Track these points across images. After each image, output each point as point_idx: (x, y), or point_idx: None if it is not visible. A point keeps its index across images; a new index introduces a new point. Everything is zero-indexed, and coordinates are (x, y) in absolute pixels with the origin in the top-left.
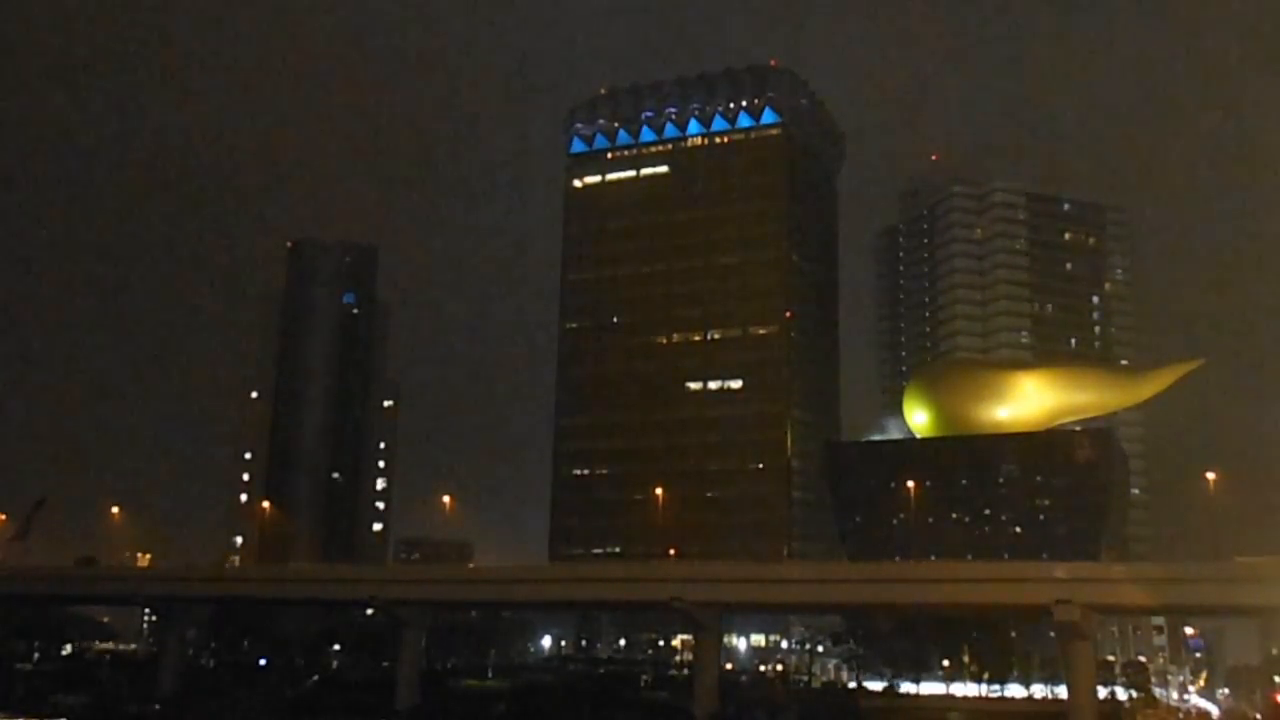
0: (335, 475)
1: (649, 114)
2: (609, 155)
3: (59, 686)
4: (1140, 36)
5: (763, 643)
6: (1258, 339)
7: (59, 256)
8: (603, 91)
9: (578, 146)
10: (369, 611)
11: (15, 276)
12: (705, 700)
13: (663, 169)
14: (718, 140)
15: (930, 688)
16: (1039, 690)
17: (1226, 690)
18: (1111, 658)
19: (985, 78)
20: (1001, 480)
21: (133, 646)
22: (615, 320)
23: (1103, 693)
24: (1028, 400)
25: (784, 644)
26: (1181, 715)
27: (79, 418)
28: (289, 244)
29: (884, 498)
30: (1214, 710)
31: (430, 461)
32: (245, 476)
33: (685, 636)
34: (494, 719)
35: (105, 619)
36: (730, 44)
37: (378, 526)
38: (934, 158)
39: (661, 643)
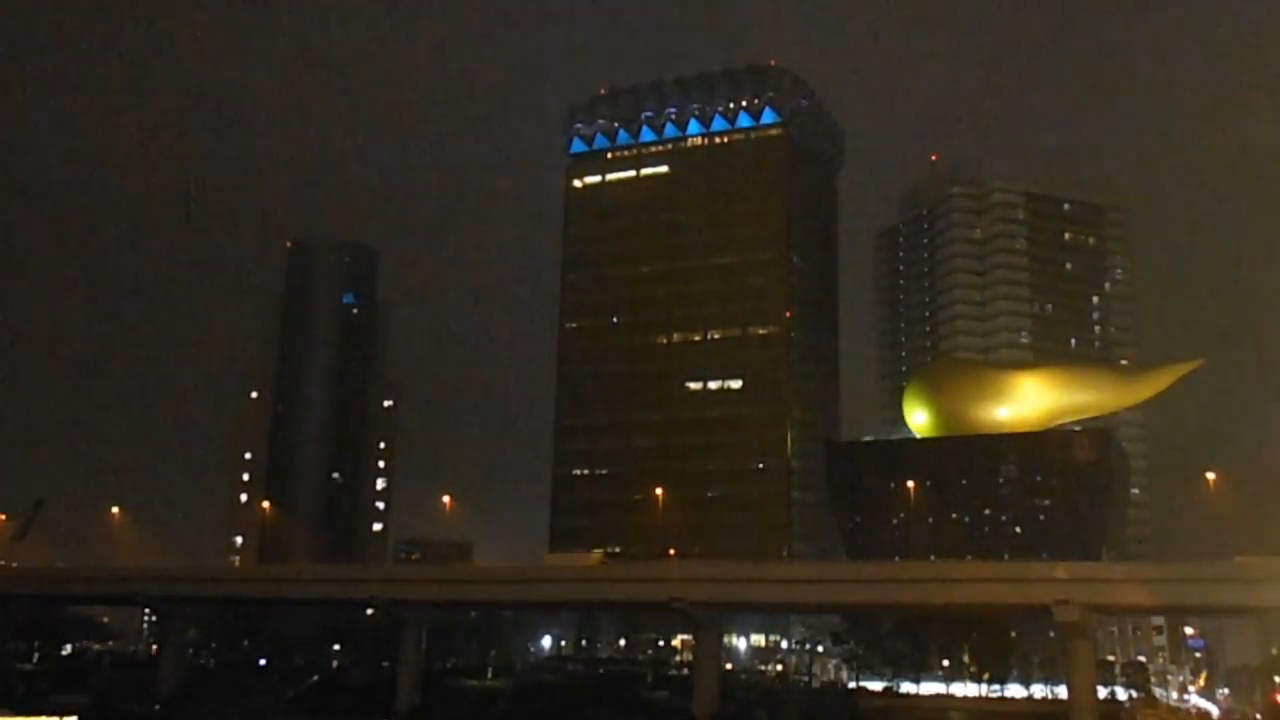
0: (335, 475)
1: (649, 114)
2: (609, 155)
3: (59, 686)
4: (1140, 37)
5: (763, 643)
6: (1258, 339)
7: (58, 256)
8: (603, 91)
9: (578, 146)
10: (369, 611)
11: (15, 277)
12: (705, 700)
13: (663, 169)
14: (718, 140)
15: (930, 688)
16: (1039, 690)
17: (1226, 690)
18: (1111, 658)
19: (986, 78)
20: (1001, 480)
21: (132, 648)
22: (615, 320)
23: (1103, 693)
24: (1028, 400)
25: (784, 644)
26: (1181, 715)
27: (79, 418)
28: (289, 244)
29: (884, 498)
30: (1214, 710)
31: (430, 461)
32: (245, 476)
33: (685, 636)
34: (494, 719)
35: (105, 619)
36: (730, 44)
37: (378, 526)
38: (934, 158)
39: (661, 643)
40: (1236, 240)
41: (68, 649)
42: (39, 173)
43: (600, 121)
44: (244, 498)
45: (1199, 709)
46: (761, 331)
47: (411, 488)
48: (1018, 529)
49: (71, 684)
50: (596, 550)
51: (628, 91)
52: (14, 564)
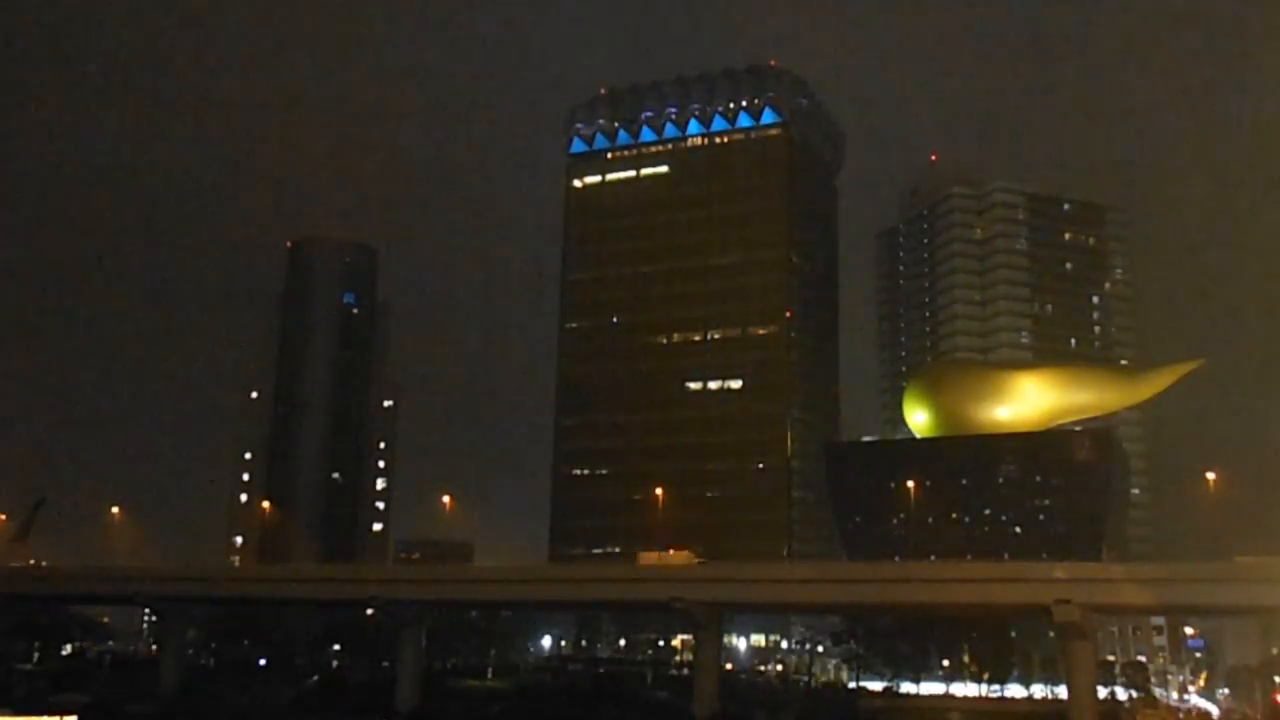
0: (335, 475)
1: (649, 114)
2: (609, 155)
3: (59, 686)
4: (1141, 36)
5: (763, 643)
6: (1258, 339)
7: (59, 256)
8: (603, 91)
9: (578, 146)
10: (369, 611)
11: (15, 277)
12: (705, 700)
13: (663, 169)
14: (718, 140)
15: (930, 688)
16: (1039, 690)
17: (1226, 690)
18: (1111, 658)
19: (985, 78)
20: (1001, 480)
21: (132, 647)
22: (615, 320)
23: (1103, 693)
24: (1028, 400)
25: (784, 644)
26: (1181, 715)
27: (79, 418)
28: (289, 244)
29: (884, 498)
30: (1214, 710)
31: (430, 461)
32: (245, 476)
33: (685, 636)
34: (494, 719)
35: (105, 619)
36: (730, 44)
37: (378, 526)
38: (934, 158)
39: (661, 643)
40: (1236, 240)
41: (68, 649)
42: (39, 173)
43: (600, 121)
44: (244, 498)
45: (1199, 709)
46: (761, 331)
47: (411, 488)
48: (1018, 529)
49: (71, 684)
50: (687, 551)
51: (628, 91)
52: (17, 563)
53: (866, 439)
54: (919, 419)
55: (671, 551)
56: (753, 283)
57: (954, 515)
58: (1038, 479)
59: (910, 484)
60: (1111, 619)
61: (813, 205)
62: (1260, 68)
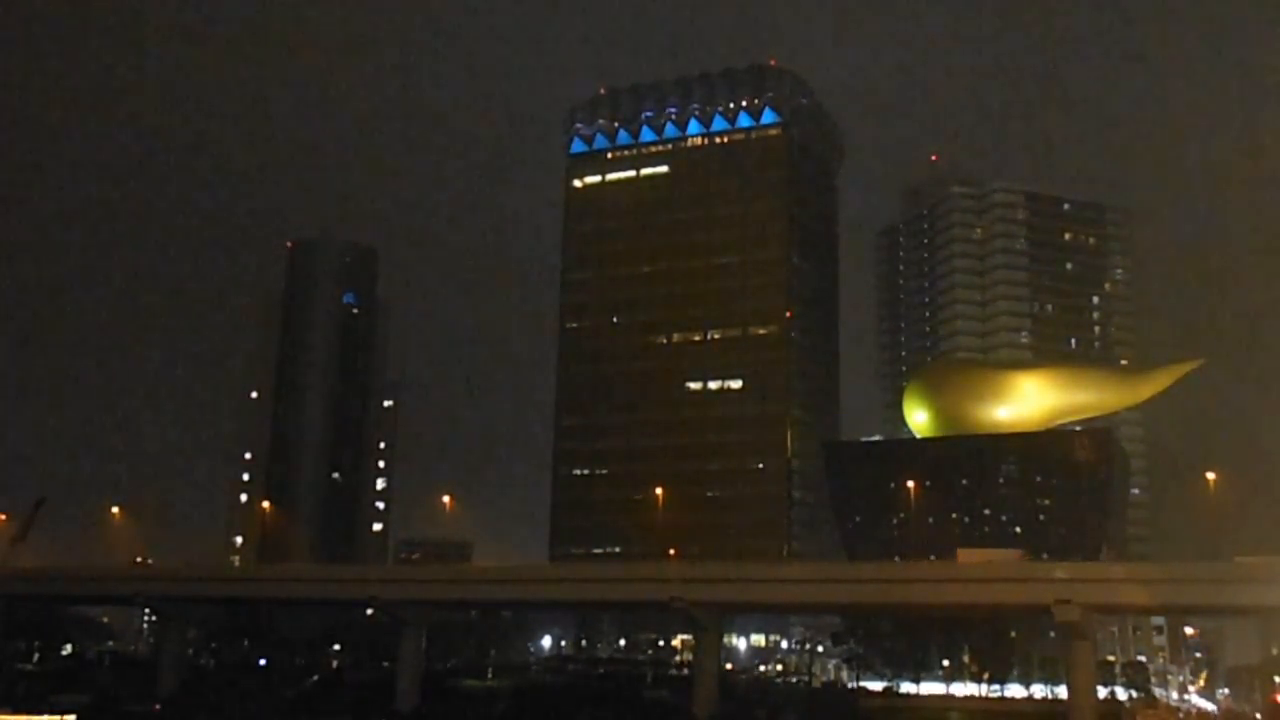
0: (335, 475)
1: (649, 114)
2: (609, 155)
3: (59, 686)
4: (1140, 36)
5: (763, 643)
6: (1258, 339)
7: (59, 257)
8: (602, 91)
9: (578, 146)
10: (369, 611)
11: (16, 278)
12: (705, 700)
13: (663, 169)
14: (718, 140)
15: (930, 688)
16: (1039, 690)
17: (1226, 690)
18: (1111, 658)
19: (985, 78)
20: (1001, 480)
21: (132, 647)
22: (615, 320)
23: (1103, 693)
24: (1028, 400)
25: (784, 644)
26: (1181, 715)
27: (79, 418)
28: (289, 244)
29: (884, 498)
30: (1214, 710)
31: (430, 461)
32: (245, 476)
33: (685, 636)
34: (494, 719)
35: (105, 619)
36: (730, 44)
37: (378, 526)
38: (934, 158)
39: (661, 643)
40: (1237, 240)
41: (68, 649)
42: (39, 173)
43: (600, 121)
44: (244, 498)
45: (1199, 709)
46: (761, 331)
47: (411, 488)
48: (1018, 529)
49: (71, 684)
50: (1014, 550)
51: (628, 91)
52: (13, 562)
53: (866, 439)
54: (919, 419)
55: (989, 550)
56: (753, 283)
57: (954, 515)
58: (1038, 479)
59: (910, 484)
60: (1111, 619)
61: (813, 205)
62: (1260, 67)
